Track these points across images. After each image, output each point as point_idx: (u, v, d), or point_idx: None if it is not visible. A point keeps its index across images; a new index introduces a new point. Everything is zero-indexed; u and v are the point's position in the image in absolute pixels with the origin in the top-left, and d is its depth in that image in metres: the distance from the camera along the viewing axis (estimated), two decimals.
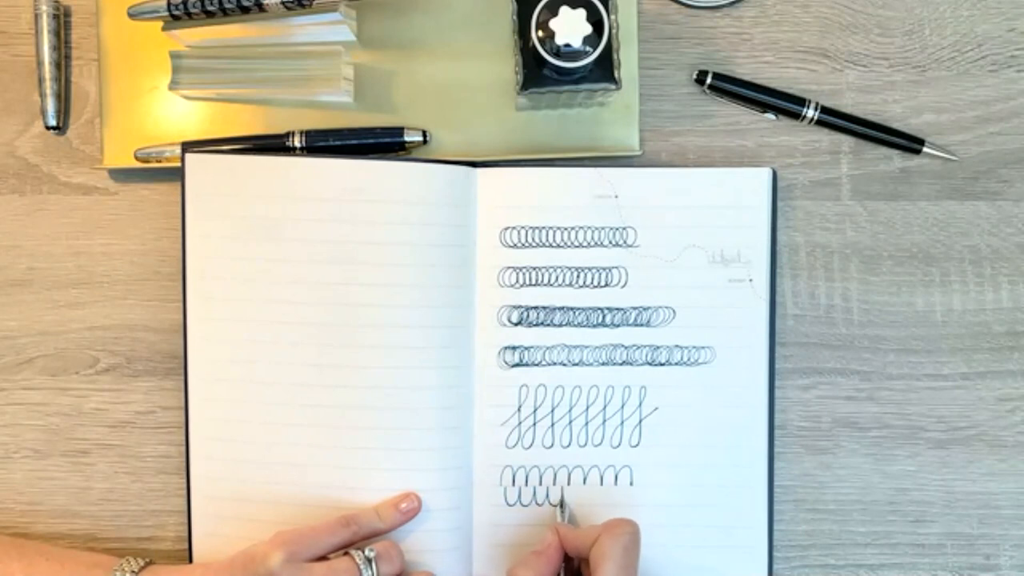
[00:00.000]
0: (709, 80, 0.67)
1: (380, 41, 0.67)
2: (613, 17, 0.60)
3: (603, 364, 0.65)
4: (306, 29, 0.65)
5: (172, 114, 0.67)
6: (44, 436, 0.67)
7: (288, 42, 0.66)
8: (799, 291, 0.67)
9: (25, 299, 0.67)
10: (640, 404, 0.65)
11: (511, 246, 0.65)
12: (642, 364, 0.65)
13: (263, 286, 0.64)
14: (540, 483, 0.65)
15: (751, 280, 0.65)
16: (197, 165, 0.64)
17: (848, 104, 0.68)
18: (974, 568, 0.67)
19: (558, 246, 0.65)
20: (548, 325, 0.65)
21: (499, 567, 0.64)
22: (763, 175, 0.66)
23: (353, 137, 0.66)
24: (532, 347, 0.65)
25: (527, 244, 0.65)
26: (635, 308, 0.65)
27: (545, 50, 0.59)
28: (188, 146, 0.65)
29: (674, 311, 0.65)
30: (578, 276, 0.65)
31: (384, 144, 0.66)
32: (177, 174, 0.64)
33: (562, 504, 0.64)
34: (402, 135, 0.66)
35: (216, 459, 0.64)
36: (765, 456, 0.65)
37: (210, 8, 0.62)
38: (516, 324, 0.65)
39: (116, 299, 0.67)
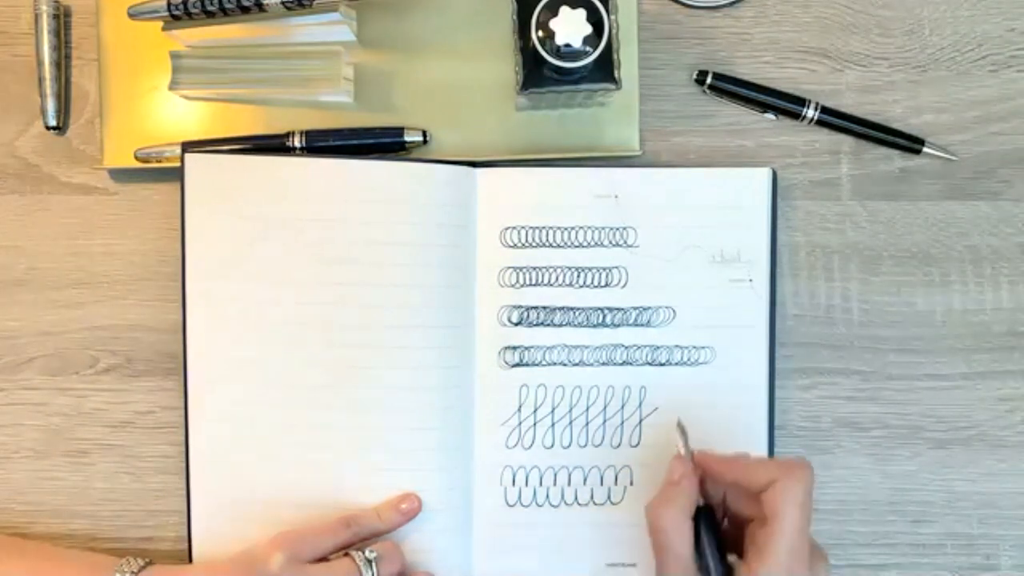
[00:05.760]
0: (709, 80, 0.67)
1: (380, 41, 0.67)
2: (613, 17, 0.60)
3: (603, 364, 0.65)
4: (306, 29, 0.65)
5: (172, 114, 0.67)
6: (44, 436, 0.67)
7: (288, 42, 0.66)
8: (799, 291, 0.67)
9: (25, 299, 0.67)
10: (640, 404, 0.65)
11: (511, 246, 0.65)
12: (642, 364, 0.65)
13: (263, 286, 0.64)
14: (540, 483, 0.65)
15: (751, 280, 0.65)
16: (197, 165, 0.64)
17: (848, 104, 0.67)
18: (974, 568, 0.67)
19: (558, 246, 0.65)
20: (548, 325, 0.65)
21: (499, 567, 0.64)
22: (763, 175, 0.66)
23: (353, 137, 0.66)
24: (532, 347, 0.65)
25: (527, 244, 0.65)
26: (635, 308, 0.65)
27: (545, 50, 0.59)
28: (188, 146, 0.65)
29: (674, 311, 0.65)
30: (578, 276, 0.65)
31: (384, 144, 0.66)
32: (177, 174, 0.64)
33: (682, 428, 0.58)
34: (402, 135, 0.66)
35: (216, 459, 0.64)
36: (765, 456, 0.65)
37: (210, 8, 0.62)
38: (516, 324, 0.65)
39: (116, 299, 0.67)
